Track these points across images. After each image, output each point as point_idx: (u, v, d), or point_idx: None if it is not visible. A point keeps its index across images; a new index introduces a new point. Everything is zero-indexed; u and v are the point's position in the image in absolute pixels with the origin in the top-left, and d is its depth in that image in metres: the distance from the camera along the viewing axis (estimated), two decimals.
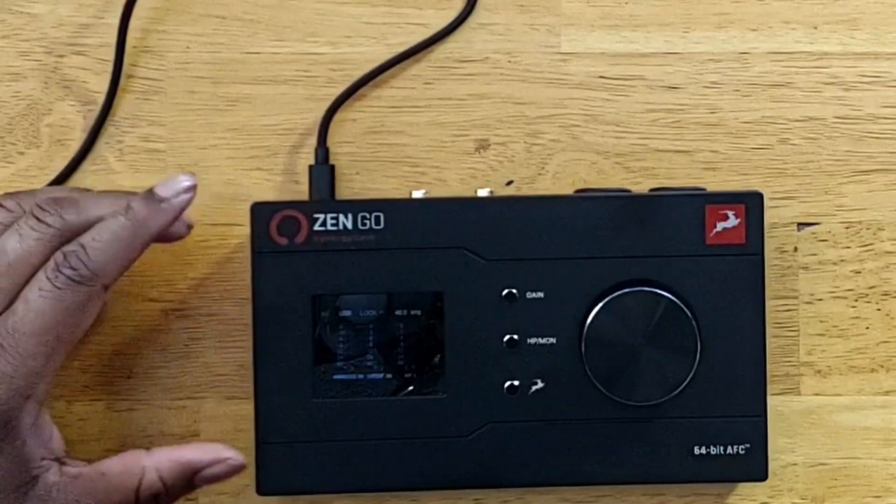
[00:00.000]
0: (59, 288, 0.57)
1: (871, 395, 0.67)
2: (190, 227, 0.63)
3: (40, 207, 0.58)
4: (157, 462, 0.59)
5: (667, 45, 0.68)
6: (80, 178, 0.66)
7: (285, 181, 0.67)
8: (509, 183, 0.67)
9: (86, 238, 0.58)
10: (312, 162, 0.66)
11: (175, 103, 0.67)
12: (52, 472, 0.58)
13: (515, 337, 0.63)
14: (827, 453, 0.67)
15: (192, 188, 0.59)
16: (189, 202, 0.59)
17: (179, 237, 0.63)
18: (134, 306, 0.66)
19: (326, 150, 0.66)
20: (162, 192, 0.59)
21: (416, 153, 0.67)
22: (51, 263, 0.57)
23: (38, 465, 0.58)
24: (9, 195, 0.61)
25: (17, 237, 0.58)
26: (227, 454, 0.60)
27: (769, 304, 0.65)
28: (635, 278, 0.63)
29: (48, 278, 0.57)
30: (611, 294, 0.62)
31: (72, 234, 0.58)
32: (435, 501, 0.67)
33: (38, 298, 0.57)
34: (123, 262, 0.58)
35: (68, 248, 0.58)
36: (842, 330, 0.67)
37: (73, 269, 0.57)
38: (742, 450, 0.63)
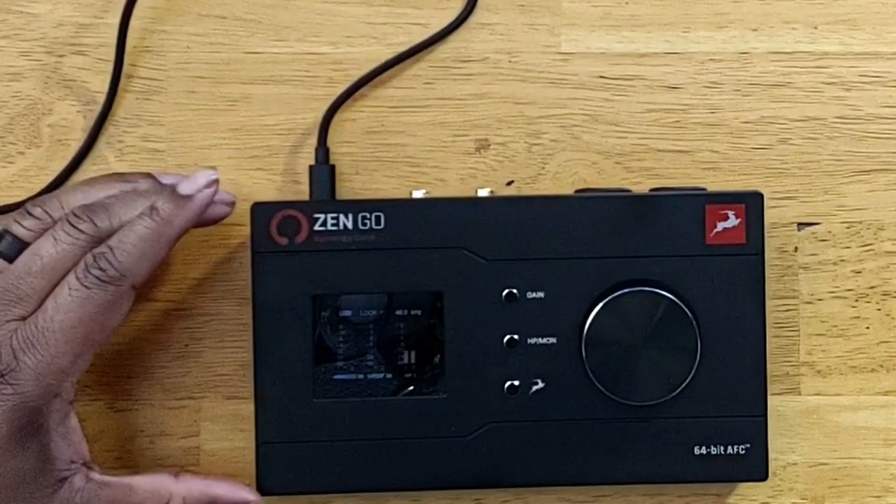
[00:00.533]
0: (87, 287, 0.58)
1: (871, 395, 0.67)
2: (231, 204, 0.64)
3: (75, 215, 0.60)
4: (187, 490, 0.61)
5: (667, 45, 0.67)
6: (81, 179, 0.66)
7: (285, 181, 0.67)
8: (509, 183, 0.67)
9: (113, 240, 0.59)
10: (313, 162, 0.66)
11: (175, 103, 0.67)
12: (80, 477, 0.59)
13: (515, 337, 0.63)
14: (827, 453, 0.67)
15: (214, 182, 0.60)
16: (212, 197, 0.60)
17: (222, 217, 0.64)
18: (134, 306, 0.66)
19: (326, 150, 0.66)
20: (184, 189, 0.60)
21: (416, 153, 0.67)
22: (81, 265, 0.59)
23: (66, 468, 0.59)
24: (35, 202, 0.61)
25: (52, 241, 0.59)
26: (250, 497, 0.62)
27: (769, 304, 0.65)
28: (635, 278, 0.63)
29: (78, 278, 0.58)
30: (611, 294, 0.62)
31: (102, 238, 0.59)
32: (435, 501, 0.66)
33: (68, 297, 0.58)
34: (150, 261, 0.59)
35: (98, 250, 0.59)
36: (842, 330, 0.67)
37: (101, 269, 0.58)
38: (742, 450, 0.63)
